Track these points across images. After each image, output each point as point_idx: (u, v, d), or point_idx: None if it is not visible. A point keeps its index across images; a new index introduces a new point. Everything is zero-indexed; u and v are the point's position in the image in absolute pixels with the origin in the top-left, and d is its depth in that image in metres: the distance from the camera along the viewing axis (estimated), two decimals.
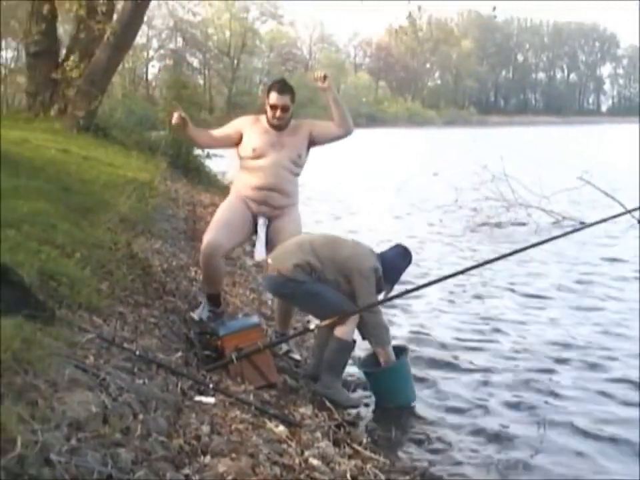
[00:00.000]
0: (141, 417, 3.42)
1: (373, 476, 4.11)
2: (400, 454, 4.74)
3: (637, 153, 25.54)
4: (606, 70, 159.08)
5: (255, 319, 5.74)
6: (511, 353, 6.82)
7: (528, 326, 7.66)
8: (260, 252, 5.88)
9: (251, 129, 5.92)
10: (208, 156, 17.33)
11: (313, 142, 6.02)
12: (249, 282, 8.20)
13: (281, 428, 4.22)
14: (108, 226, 6.80)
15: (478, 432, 5.13)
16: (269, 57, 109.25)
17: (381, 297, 5.58)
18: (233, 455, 3.52)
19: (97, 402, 3.24)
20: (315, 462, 3.93)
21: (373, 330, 5.42)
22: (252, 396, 4.68)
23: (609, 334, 7.38)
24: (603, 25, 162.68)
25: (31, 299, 3.77)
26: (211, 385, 4.47)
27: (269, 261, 5.50)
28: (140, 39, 65.63)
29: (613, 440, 4.99)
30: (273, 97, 5.83)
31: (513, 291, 9.29)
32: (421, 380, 6.00)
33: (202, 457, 3.43)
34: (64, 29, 23.45)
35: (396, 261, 5.55)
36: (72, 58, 16.00)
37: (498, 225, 14.67)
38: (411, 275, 5.84)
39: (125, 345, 4.30)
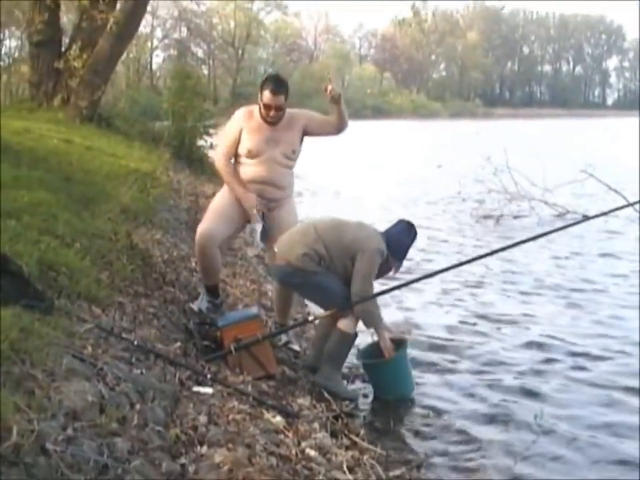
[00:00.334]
0: (138, 406, 3.43)
1: (370, 467, 4.12)
2: (397, 445, 4.76)
3: None
4: (612, 63, 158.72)
5: (254, 310, 5.75)
6: (509, 346, 6.82)
7: (525, 320, 7.65)
8: (257, 242, 5.91)
9: (247, 126, 5.85)
10: (211, 147, 17.32)
11: (306, 133, 5.99)
12: (250, 273, 8.21)
13: (279, 419, 4.24)
14: (109, 216, 6.81)
15: (475, 423, 5.15)
16: (274, 48, 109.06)
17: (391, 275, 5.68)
18: (230, 445, 3.54)
19: (94, 391, 3.26)
20: (311, 453, 3.95)
21: (362, 316, 5.41)
22: (250, 387, 4.69)
23: (606, 329, 7.38)
24: (609, 17, 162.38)
25: (30, 288, 3.78)
26: (209, 376, 4.48)
27: (276, 250, 5.51)
28: (144, 28, 65.65)
29: (610, 429, 5.02)
30: (267, 97, 5.73)
31: (510, 284, 9.29)
32: (418, 372, 6.00)
33: (198, 447, 3.45)
34: (67, 19, 23.40)
35: (401, 237, 5.56)
36: (75, 48, 15.94)
37: (501, 218, 14.66)
38: (409, 268, 5.82)
39: (124, 335, 4.31)
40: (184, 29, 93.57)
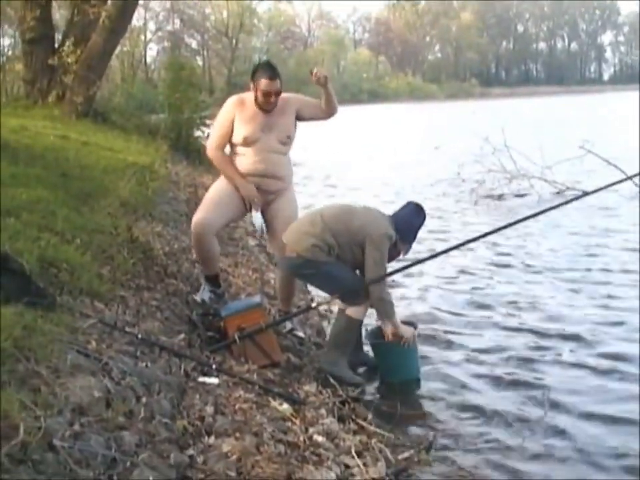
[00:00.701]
0: (144, 399, 3.44)
1: (378, 451, 4.13)
2: (405, 428, 4.75)
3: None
4: (607, 38, 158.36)
5: (257, 298, 5.74)
6: (515, 328, 6.78)
7: (528, 301, 7.58)
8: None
9: (240, 114, 5.79)
10: (208, 137, 17.29)
11: (298, 118, 5.96)
12: (251, 262, 8.20)
13: (285, 406, 4.24)
14: (108, 211, 6.80)
15: (482, 408, 5.12)
16: (268, 36, 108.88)
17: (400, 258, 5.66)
18: (237, 435, 3.55)
19: (100, 386, 3.27)
20: (319, 439, 3.95)
21: (377, 303, 5.41)
22: (255, 375, 4.70)
23: (609, 309, 7.31)
24: None
25: (32, 286, 3.78)
26: (214, 366, 4.48)
27: (284, 241, 5.51)
28: (137, 21, 65.52)
29: (614, 420, 4.99)
30: (265, 84, 5.67)
31: (510, 264, 9.26)
32: (425, 356, 5.99)
33: (206, 438, 3.46)
34: (59, 15, 23.35)
35: (410, 219, 5.54)
36: (68, 43, 15.93)
37: (501, 197, 14.65)
38: (413, 250, 5.79)
39: (127, 328, 4.32)
40: (177, 21, 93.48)
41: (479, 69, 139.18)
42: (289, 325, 6.02)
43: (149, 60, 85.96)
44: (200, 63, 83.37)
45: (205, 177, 14.30)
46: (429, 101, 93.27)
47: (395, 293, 7.57)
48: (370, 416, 4.74)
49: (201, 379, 4.24)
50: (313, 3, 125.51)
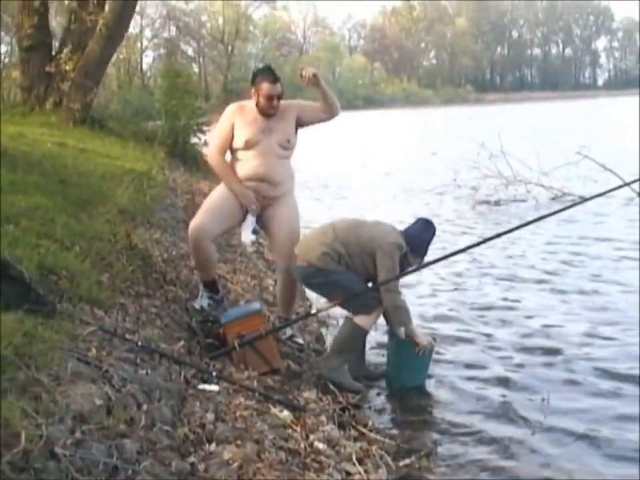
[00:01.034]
0: (145, 407, 3.43)
1: (379, 457, 4.13)
2: (405, 435, 4.75)
3: (636, 125, 25.49)
4: (601, 43, 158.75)
5: (256, 305, 5.73)
6: (512, 337, 6.76)
7: (519, 312, 7.52)
8: (245, 235, 5.85)
9: (240, 119, 5.79)
10: (205, 144, 17.31)
11: (300, 124, 5.94)
12: (250, 269, 8.19)
13: (286, 413, 4.24)
14: (107, 218, 6.79)
15: (481, 412, 5.14)
16: (264, 43, 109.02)
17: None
18: (238, 442, 3.54)
19: (101, 394, 3.26)
20: (320, 446, 3.95)
21: (392, 312, 5.42)
22: (256, 382, 4.70)
23: (601, 315, 7.31)
24: None
25: (31, 293, 3.77)
26: (214, 373, 4.48)
27: (296, 251, 5.54)
28: (133, 28, 65.47)
29: (612, 422, 4.99)
30: (267, 88, 5.67)
31: (500, 274, 9.18)
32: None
33: (207, 445, 3.45)
34: (56, 22, 23.36)
35: (420, 233, 5.60)
36: (65, 51, 15.93)
37: (497, 203, 14.67)
38: None
39: (127, 336, 4.31)
40: (173, 28, 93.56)
41: (474, 74, 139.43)
42: (288, 332, 6.01)
43: (145, 67, 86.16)
44: (196, 69, 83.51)
45: (202, 184, 14.30)
46: (424, 107, 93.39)
47: None
48: (370, 423, 4.75)
49: (201, 386, 4.23)
50: (308, 9, 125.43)
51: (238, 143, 5.79)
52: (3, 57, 36.07)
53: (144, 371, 3.91)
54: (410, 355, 5.57)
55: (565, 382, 5.66)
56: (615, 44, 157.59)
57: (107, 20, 15.25)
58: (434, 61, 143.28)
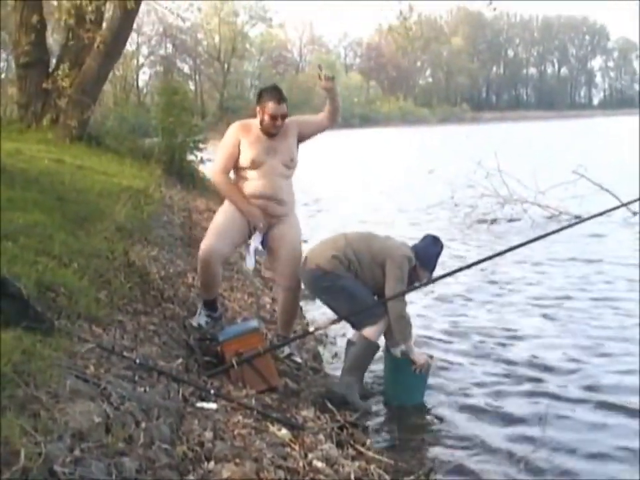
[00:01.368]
0: (143, 425, 3.42)
1: (377, 476, 4.11)
2: (404, 454, 4.73)
3: (633, 145, 25.58)
4: (596, 63, 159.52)
5: (254, 323, 5.73)
6: (507, 358, 6.74)
7: (514, 332, 7.51)
8: (250, 262, 5.85)
9: (246, 139, 5.80)
10: (202, 161, 17.34)
11: (301, 139, 6.00)
12: (247, 286, 8.19)
13: (284, 431, 4.22)
14: (104, 235, 6.78)
15: (480, 431, 5.13)
16: (260, 61, 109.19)
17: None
18: (237, 460, 3.53)
19: (99, 411, 3.24)
20: (319, 464, 3.93)
21: (395, 322, 5.42)
22: (254, 400, 4.68)
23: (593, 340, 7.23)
24: (592, 17, 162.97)
25: (30, 310, 3.76)
26: (212, 391, 4.47)
27: (306, 256, 5.63)
28: (129, 46, 65.51)
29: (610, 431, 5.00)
30: (273, 108, 5.70)
31: (494, 292, 9.21)
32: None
33: (206, 463, 3.44)
34: (53, 39, 23.41)
35: (429, 248, 5.68)
36: (62, 67, 15.93)
37: (494, 222, 14.69)
38: None
39: (125, 353, 4.30)
40: (169, 45, 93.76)
41: (470, 93, 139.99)
42: (287, 350, 6.00)
43: (141, 84, 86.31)
44: (192, 87, 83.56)
45: (198, 201, 14.30)
46: (420, 125, 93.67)
47: None
48: (369, 441, 4.73)
49: (199, 404, 4.22)
50: (304, 27, 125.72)
51: (244, 162, 5.80)
52: None
53: (142, 389, 3.90)
54: (407, 373, 5.57)
55: (569, 404, 5.62)
56: (611, 63, 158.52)
57: (104, 37, 15.27)
58: (430, 80, 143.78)
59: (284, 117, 5.80)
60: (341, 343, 6.59)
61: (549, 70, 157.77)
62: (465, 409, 5.55)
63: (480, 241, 12.72)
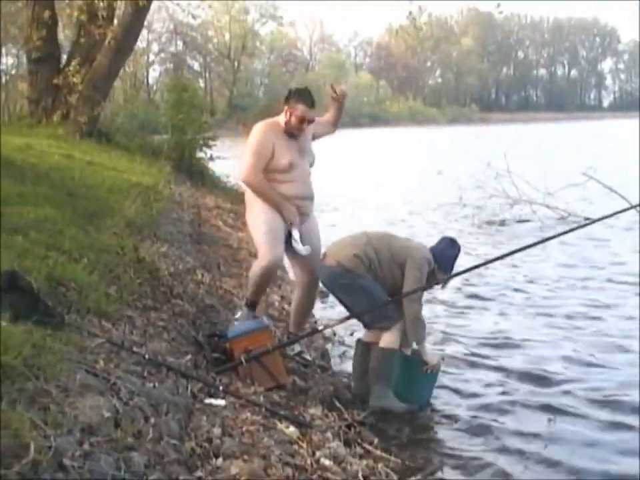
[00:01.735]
0: (152, 420, 3.42)
1: (385, 475, 4.11)
2: (411, 453, 4.74)
3: None
4: (607, 65, 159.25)
5: (263, 320, 5.73)
6: (521, 359, 6.73)
7: (513, 339, 7.37)
8: (305, 249, 5.79)
9: (278, 140, 5.79)
10: (211, 158, 17.36)
11: (313, 139, 6.15)
12: None
13: (292, 429, 4.23)
14: (114, 230, 6.79)
15: (489, 434, 5.13)
16: (270, 59, 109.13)
17: (438, 288, 5.89)
18: (245, 457, 3.53)
19: (109, 406, 3.25)
20: (326, 462, 3.94)
21: (411, 323, 5.43)
22: (262, 397, 4.68)
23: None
24: (603, 19, 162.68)
25: (40, 304, 3.78)
26: (221, 387, 4.47)
27: (326, 252, 5.63)
28: (140, 43, 65.43)
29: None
30: (303, 110, 5.75)
31: (494, 297, 9.04)
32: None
33: (214, 459, 3.44)
34: (64, 35, 23.45)
35: (446, 250, 5.69)
36: (73, 63, 15.99)
37: (503, 223, 14.67)
38: None
39: (135, 348, 4.31)
40: (180, 43, 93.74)
41: (479, 94, 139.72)
42: (297, 348, 6.00)
43: (151, 81, 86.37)
44: (202, 84, 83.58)
45: (207, 198, 14.34)
46: (429, 126, 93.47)
47: None
48: (376, 440, 4.72)
49: (208, 401, 4.22)
50: (315, 26, 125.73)
51: (279, 165, 5.78)
52: (9, 68, 36.21)
53: (151, 384, 3.91)
54: (417, 373, 5.57)
55: (573, 403, 5.64)
56: (621, 66, 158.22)
57: (116, 33, 15.32)
58: (439, 80, 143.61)
59: (311, 121, 5.87)
60: (350, 342, 6.59)
61: (559, 72, 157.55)
62: (472, 408, 5.54)
63: (487, 243, 12.68)
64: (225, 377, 4.92)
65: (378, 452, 4.51)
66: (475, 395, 5.82)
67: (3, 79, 29.79)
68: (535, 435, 5.05)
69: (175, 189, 12.92)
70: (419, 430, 5.15)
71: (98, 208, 7.40)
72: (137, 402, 3.51)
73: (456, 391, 5.92)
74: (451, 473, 4.53)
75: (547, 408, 5.53)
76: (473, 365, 6.58)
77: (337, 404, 5.17)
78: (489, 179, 15.73)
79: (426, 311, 8.10)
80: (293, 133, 5.82)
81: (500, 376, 6.28)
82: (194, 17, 23.63)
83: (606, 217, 6.03)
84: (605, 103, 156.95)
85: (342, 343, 7.05)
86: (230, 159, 17.28)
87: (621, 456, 4.76)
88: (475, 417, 5.41)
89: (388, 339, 5.41)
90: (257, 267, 5.81)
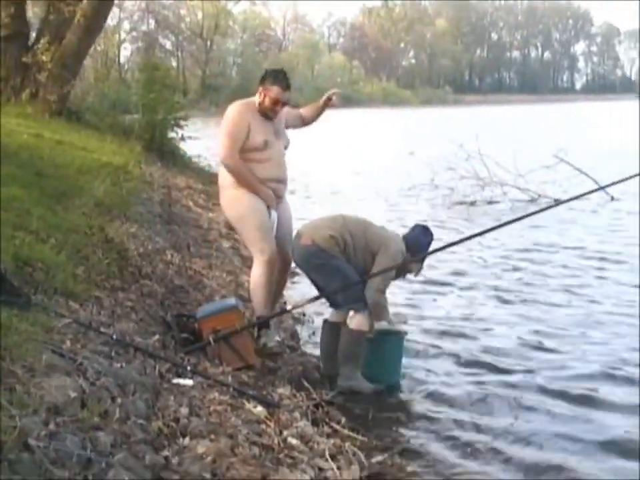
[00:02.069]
0: (119, 400, 3.43)
1: (352, 454, 4.14)
2: (378, 432, 4.77)
3: (615, 130, 25.72)
4: (580, 48, 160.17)
5: (232, 301, 5.73)
6: (487, 342, 6.77)
7: (485, 322, 7.39)
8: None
9: (253, 120, 5.72)
10: (182, 138, 17.27)
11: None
12: (225, 264, 8.19)
13: (260, 409, 4.24)
14: (83, 210, 6.76)
15: (455, 410, 5.20)
16: (243, 38, 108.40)
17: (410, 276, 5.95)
18: (212, 436, 3.54)
19: (75, 386, 3.25)
20: (293, 441, 3.96)
21: (373, 309, 5.45)
22: (230, 377, 4.69)
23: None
24: (576, 2, 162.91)
25: (6, 284, 3.76)
26: (188, 368, 4.47)
27: (302, 231, 5.60)
28: (111, 21, 64.93)
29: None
30: (277, 92, 5.69)
31: (464, 281, 8.99)
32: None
33: (181, 439, 3.45)
34: (33, 12, 23.16)
35: (419, 238, 5.68)
36: (42, 41, 15.81)
37: (473, 204, 14.74)
38: None
39: (102, 329, 4.30)
40: (152, 21, 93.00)
41: (453, 75, 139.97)
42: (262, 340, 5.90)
43: (122, 60, 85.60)
44: (174, 64, 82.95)
45: (178, 179, 14.27)
46: (402, 107, 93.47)
47: None
48: (343, 419, 4.75)
49: (175, 381, 4.23)
50: (288, 6, 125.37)
51: (254, 143, 5.71)
52: None
53: (118, 364, 3.90)
54: (384, 352, 5.61)
55: (543, 384, 5.67)
56: (594, 48, 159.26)
57: (85, 11, 15.17)
58: (413, 61, 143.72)
59: (285, 104, 5.81)
60: (318, 322, 6.60)
61: (533, 54, 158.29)
62: (439, 390, 5.58)
63: (458, 223, 12.74)
64: (193, 357, 4.92)
65: (345, 431, 4.54)
66: (442, 379, 5.83)
67: None
68: (500, 417, 5.09)
69: (146, 169, 12.84)
70: (386, 409, 5.17)
71: (67, 188, 7.35)
72: (103, 382, 3.50)
73: (424, 374, 5.94)
74: (418, 452, 4.56)
75: (514, 392, 5.54)
76: (443, 349, 6.56)
77: (306, 384, 5.19)
78: (460, 161, 15.77)
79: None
80: (267, 114, 5.77)
81: (471, 360, 6.28)
82: None
83: (574, 198, 6.09)
84: (578, 86, 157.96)
85: (311, 323, 7.06)
86: (202, 139, 17.20)
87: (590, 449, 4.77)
88: (442, 398, 5.43)
89: (358, 321, 5.43)
90: (258, 268, 5.71)
